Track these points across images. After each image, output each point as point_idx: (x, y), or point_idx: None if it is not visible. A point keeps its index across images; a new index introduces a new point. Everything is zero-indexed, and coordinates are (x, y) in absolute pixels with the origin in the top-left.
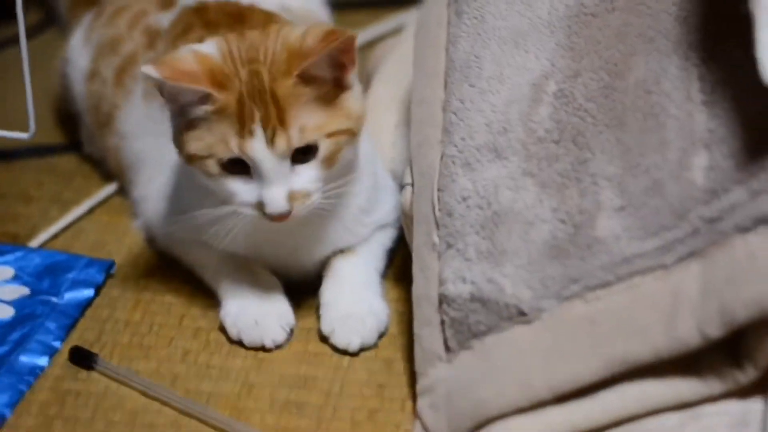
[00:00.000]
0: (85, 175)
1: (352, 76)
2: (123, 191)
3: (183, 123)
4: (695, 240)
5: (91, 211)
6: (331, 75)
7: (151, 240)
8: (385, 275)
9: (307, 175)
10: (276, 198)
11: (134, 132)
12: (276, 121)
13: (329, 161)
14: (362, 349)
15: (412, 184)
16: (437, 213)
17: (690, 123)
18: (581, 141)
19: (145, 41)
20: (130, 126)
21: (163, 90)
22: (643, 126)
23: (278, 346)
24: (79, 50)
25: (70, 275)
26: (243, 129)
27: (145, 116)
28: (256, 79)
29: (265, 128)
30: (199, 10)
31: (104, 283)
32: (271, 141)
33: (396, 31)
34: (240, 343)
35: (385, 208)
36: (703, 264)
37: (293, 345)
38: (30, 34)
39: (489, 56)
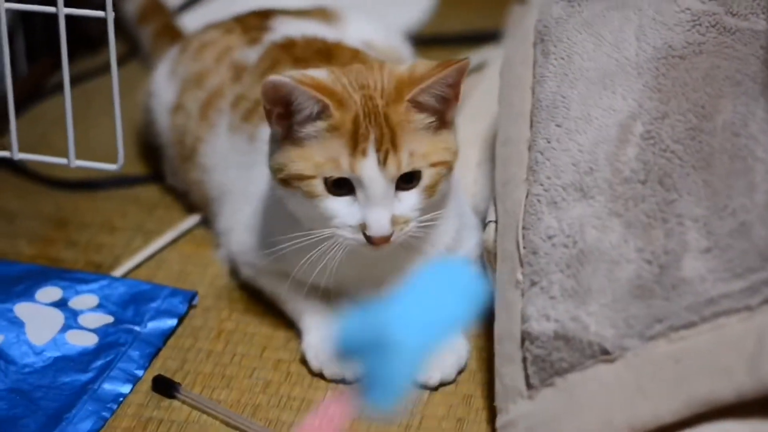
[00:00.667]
0: (167, 205)
1: (454, 114)
2: (206, 222)
3: (289, 142)
4: None
5: (174, 241)
6: (438, 107)
7: (233, 271)
8: None
9: (409, 202)
10: (381, 220)
11: (219, 165)
12: (389, 143)
13: (430, 190)
14: (441, 384)
15: (496, 222)
16: (522, 251)
17: None
18: (668, 182)
19: (231, 76)
20: (214, 159)
21: (271, 113)
22: (730, 168)
23: (358, 380)
24: (163, 84)
25: (154, 305)
26: (356, 149)
27: (229, 149)
28: (370, 102)
29: (378, 150)
30: (287, 47)
31: (187, 313)
32: (383, 162)
33: (477, 68)
34: (321, 376)
35: (469, 246)
36: None
37: None
38: None
39: (576, 96)
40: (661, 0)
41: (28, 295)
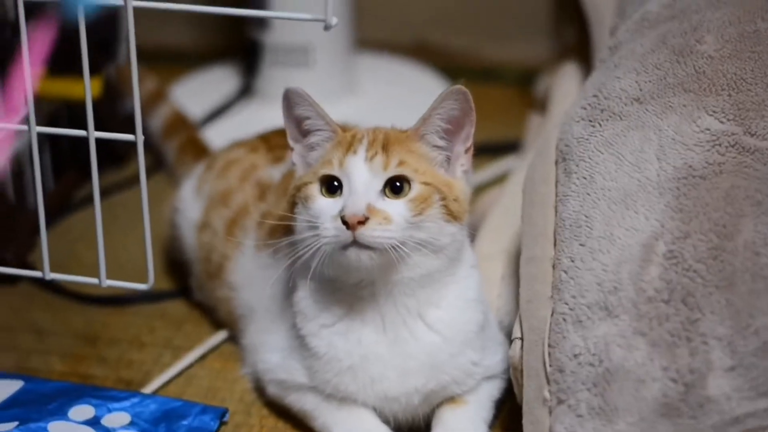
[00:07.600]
0: (195, 321)
1: (461, 170)
2: (233, 338)
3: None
4: None
5: (202, 357)
6: (443, 143)
7: (260, 388)
8: (492, 425)
9: (395, 207)
10: (357, 202)
11: (244, 283)
12: (380, 148)
13: (418, 206)
14: None
15: (522, 339)
16: (548, 368)
17: None
18: (691, 301)
19: (256, 194)
20: (240, 277)
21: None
22: (752, 287)
23: None
24: (189, 201)
25: (185, 422)
26: (348, 150)
27: (255, 267)
28: (378, 131)
29: (368, 150)
30: None
31: (218, 429)
32: (370, 160)
33: (499, 179)
34: None
35: (495, 359)
36: None
37: None
38: (136, 180)
39: (599, 216)
40: (680, 120)
41: (61, 413)
